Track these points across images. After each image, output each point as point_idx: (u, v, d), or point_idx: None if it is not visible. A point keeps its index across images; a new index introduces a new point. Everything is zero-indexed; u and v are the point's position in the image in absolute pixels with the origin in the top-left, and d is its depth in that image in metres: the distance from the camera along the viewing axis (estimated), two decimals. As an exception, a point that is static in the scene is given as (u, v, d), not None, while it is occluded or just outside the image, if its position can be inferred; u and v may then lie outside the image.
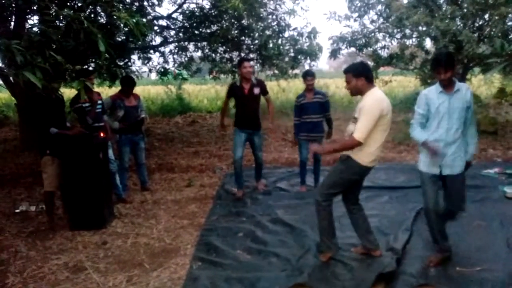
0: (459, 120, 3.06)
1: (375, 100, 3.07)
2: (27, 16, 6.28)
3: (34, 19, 6.57)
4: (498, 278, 3.01)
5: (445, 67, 2.95)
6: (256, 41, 8.50)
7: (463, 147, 3.16)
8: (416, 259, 3.36)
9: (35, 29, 5.71)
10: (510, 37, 7.34)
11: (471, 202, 4.63)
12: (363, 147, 3.10)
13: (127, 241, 4.03)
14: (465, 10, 7.38)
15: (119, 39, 7.29)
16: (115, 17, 4.21)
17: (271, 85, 15.70)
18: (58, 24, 4.65)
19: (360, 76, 3.13)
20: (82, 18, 3.75)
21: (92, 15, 5.89)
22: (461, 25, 7.62)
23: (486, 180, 5.55)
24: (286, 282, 3.10)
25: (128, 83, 5.21)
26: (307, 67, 9.40)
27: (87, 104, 4.66)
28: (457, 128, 3.08)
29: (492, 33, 7.27)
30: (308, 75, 5.21)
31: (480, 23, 7.96)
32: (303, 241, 3.82)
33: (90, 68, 7.36)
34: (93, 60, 7.34)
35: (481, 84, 13.87)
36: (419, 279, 3.04)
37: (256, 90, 5.11)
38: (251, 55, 9.28)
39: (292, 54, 8.86)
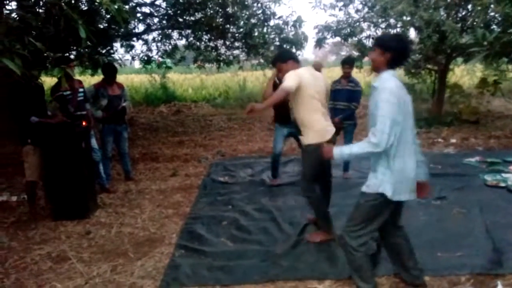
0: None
1: (292, 72, 3.33)
2: (5, 2, 6.09)
3: (13, 5, 6.38)
4: (478, 263, 3.09)
5: None
6: (241, 30, 8.43)
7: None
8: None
9: (13, 15, 5.54)
10: (492, 27, 7.45)
11: (451, 190, 4.74)
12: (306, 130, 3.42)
13: (111, 230, 4.00)
14: (448, 1, 7.46)
15: (101, 26, 7.14)
16: (96, 3, 4.12)
17: (256, 75, 15.68)
18: (37, 10, 4.53)
19: (287, 60, 3.53)
20: (62, 4, 3.66)
21: (73, 1, 5.73)
22: (445, 15, 7.71)
23: (467, 168, 5.66)
24: (267, 270, 3.13)
25: (109, 71, 5.12)
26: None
27: (68, 92, 4.57)
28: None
29: (475, 23, 7.36)
30: (346, 63, 5.21)
31: (463, 13, 8.06)
32: (286, 229, 3.85)
33: (72, 56, 7.22)
34: (75, 47, 7.19)
35: (464, 74, 14.07)
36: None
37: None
38: (236, 44, 9.22)
39: (278, 43, 8.81)
